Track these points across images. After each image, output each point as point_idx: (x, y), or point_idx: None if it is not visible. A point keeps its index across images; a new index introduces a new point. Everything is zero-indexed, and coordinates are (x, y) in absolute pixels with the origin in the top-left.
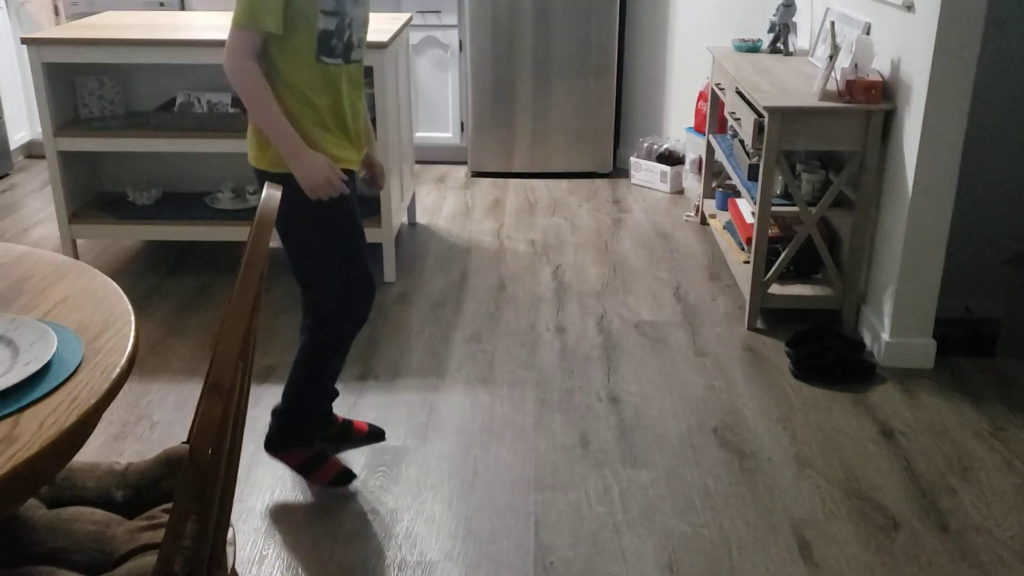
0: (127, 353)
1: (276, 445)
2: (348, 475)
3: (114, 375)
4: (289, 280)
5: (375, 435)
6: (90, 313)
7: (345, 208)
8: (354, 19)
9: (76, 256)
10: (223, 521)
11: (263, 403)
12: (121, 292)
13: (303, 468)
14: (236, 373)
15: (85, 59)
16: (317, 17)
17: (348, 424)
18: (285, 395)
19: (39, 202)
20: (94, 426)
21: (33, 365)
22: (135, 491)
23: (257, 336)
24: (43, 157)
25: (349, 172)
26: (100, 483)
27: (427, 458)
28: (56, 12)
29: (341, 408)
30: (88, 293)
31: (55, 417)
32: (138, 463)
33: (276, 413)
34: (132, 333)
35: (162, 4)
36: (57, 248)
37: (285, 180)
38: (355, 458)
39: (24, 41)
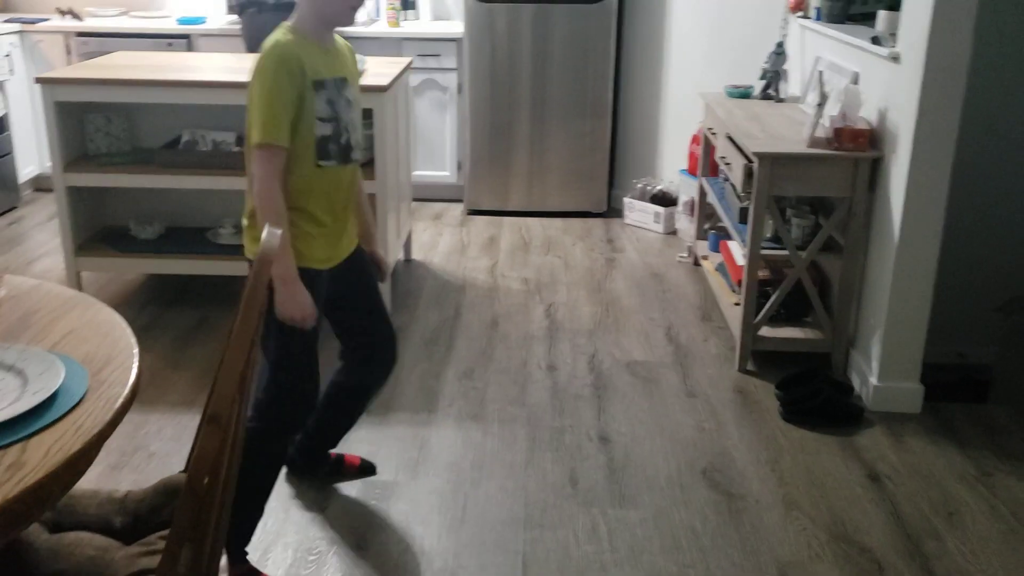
0: (130, 385)
1: (233, 558)
2: None
3: (117, 405)
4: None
5: (366, 469)
6: (96, 345)
7: (311, 330)
8: (350, 122)
9: (80, 288)
10: (217, 548)
11: None
12: (126, 325)
13: None
14: (234, 405)
15: (95, 98)
16: (315, 124)
17: (340, 458)
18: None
19: (45, 235)
20: (96, 454)
21: (41, 394)
22: (134, 518)
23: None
24: (50, 191)
25: (316, 272)
26: (100, 510)
27: (417, 493)
28: (68, 51)
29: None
30: (94, 326)
31: (60, 444)
32: (137, 491)
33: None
34: (135, 366)
35: (170, 45)
36: (62, 280)
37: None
38: (346, 490)
39: (39, 80)
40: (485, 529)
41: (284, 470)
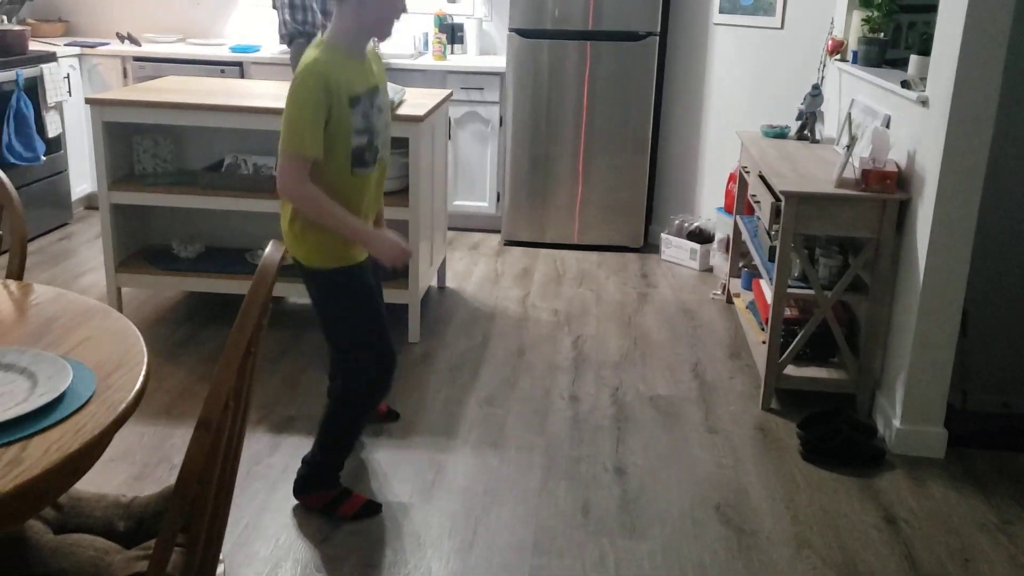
0: (135, 390)
1: (303, 489)
2: (373, 507)
3: (120, 409)
4: (316, 337)
5: (391, 416)
6: (108, 352)
7: (369, 297)
8: (380, 130)
9: (120, 303)
10: (210, 555)
11: (281, 451)
12: (139, 335)
13: (328, 507)
14: (226, 412)
15: (142, 120)
16: (351, 137)
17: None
18: (316, 448)
19: (92, 251)
20: (98, 455)
21: (47, 396)
22: (137, 522)
23: (277, 386)
24: (99, 208)
25: (362, 265)
26: (105, 513)
27: (429, 516)
28: (124, 75)
29: (351, 462)
30: (110, 335)
31: (60, 444)
32: (142, 497)
33: (306, 461)
34: (143, 373)
35: (223, 72)
36: (103, 295)
37: (329, 275)
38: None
39: (88, 101)
40: (493, 554)
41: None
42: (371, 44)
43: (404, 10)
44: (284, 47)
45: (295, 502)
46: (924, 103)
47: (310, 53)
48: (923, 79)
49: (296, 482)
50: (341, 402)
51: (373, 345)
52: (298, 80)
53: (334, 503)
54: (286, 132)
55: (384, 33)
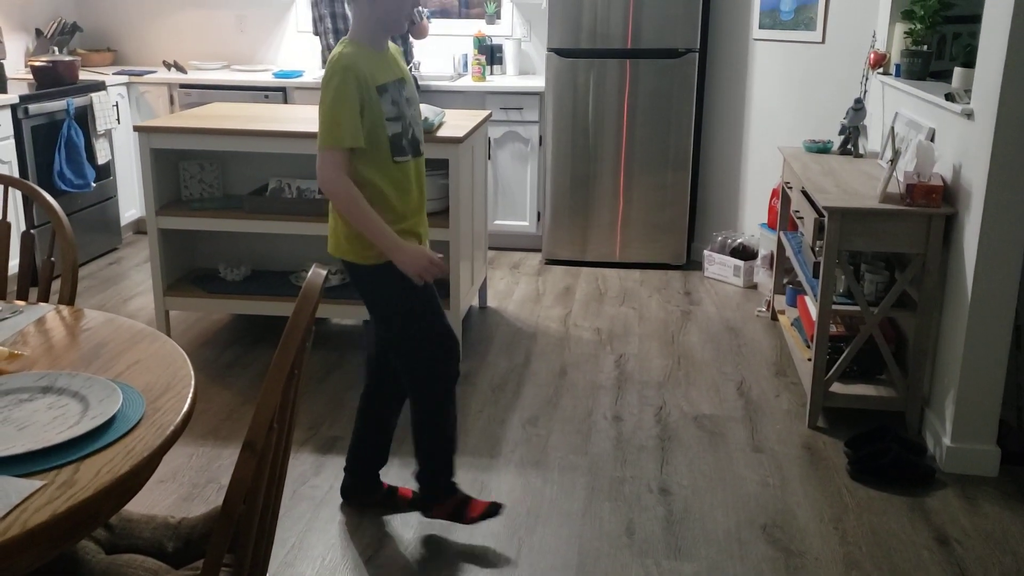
0: (183, 413)
1: (428, 503)
2: (495, 508)
3: (168, 432)
4: (361, 358)
5: (417, 503)
6: (157, 376)
7: (422, 288)
8: (413, 118)
9: (168, 326)
10: (257, 574)
11: (326, 472)
12: (186, 358)
13: (454, 515)
14: (271, 433)
15: (188, 146)
16: (385, 125)
17: (393, 490)
18: (419, 458)
19: (141, 275)
20: (148, 476)
21: (98, 419)
22: (185, 543)
23: (322, 406)
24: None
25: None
26: (155, 534)
27: (473, 535)
28: (171, 102)
29: (395, 482)
30: (158, 358)
31: (111, 466)
32: (191, 518)
33: (419, 477)
34: (190, 396)
35: (267, 97)
36: (151, 318)
37: (383, 270)
38: (403, 531)
39: (136, 128)
40: (537, 575)
41: (340, 503)
42: (393, 46)
43: (415, 5)
44: None
45: (340, 522)
46: (969, 116)
47: (336, 50)
48: (968, 91)
49: (421, 502)
50: (419, 403)
51: (437, 337)
52: (328, 75)
53: (457, 512)
54: (322, 127)
55: (398, 28)
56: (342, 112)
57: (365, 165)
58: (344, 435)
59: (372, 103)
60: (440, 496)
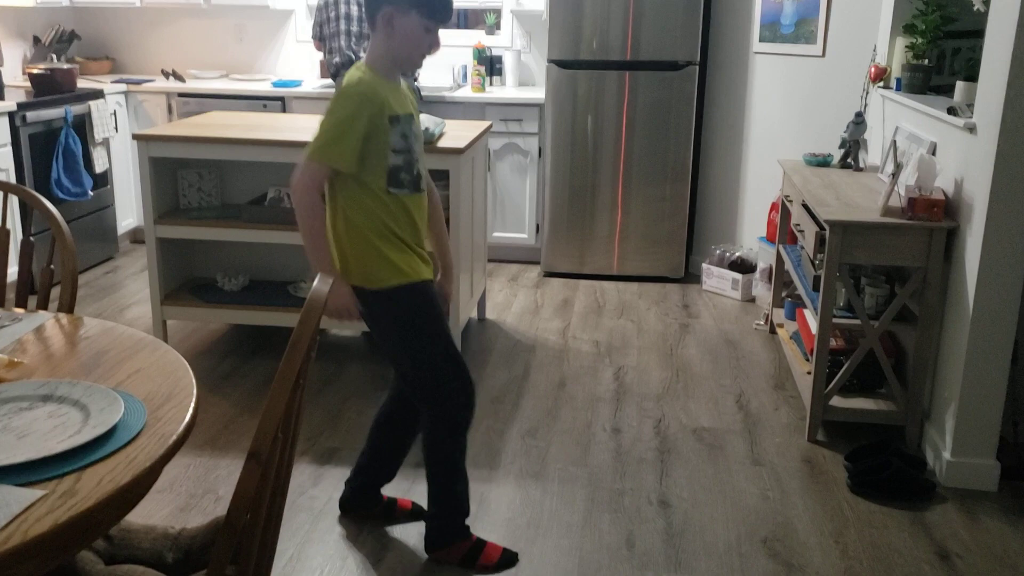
0: (184, 423)
1: (437, 544)
2: (511, 557)
3: (170, 442)
4: (361, 367)
5: (419, 514)
6: (158, 385)
7: (437, 315)
8: (418, 154)
9: (165, 336)
10: None
11: (324, 483)
12: (188, 367)
13: (465, 560)
14: (275, 444)
15: (186, 155)
16: (388, 155)
17: (392, 501)
18: (431, 498)
19: (138, 284)
20: (149, 486)
21: (99, 428)
22: (185, 554)
23: (321, 417)
24: (145, 242)
25: (429, 282)
26: (154, 544)
27: None
28: (169, 110)
29: (395, 494)
30: (159, 367)
31: (112, 476)
32: (191, 528)
33: (430, 517)
34: (192, 405)
35: (265, 106)
36: (149, 327)
37: (391, 294)
38: (403, 541)
39: (135, 137)
40: None
41: (338, 514)
42: (405, 82)
43: (431, 50)
44: (327, 81)
45: (338, 533)
46: (971, 130)
47: (354, 73)
48: (970, 105)
49: (427, 540)
50: (432, 441)
51: (451, 366)
52: (343, 93)
53: (469, 557)
54: (317, 137)
55: (413, 66)
56: (347, 135)
57: (359, 188)
58: (343, 446)
59: (382, 131)
60: (453, 538)
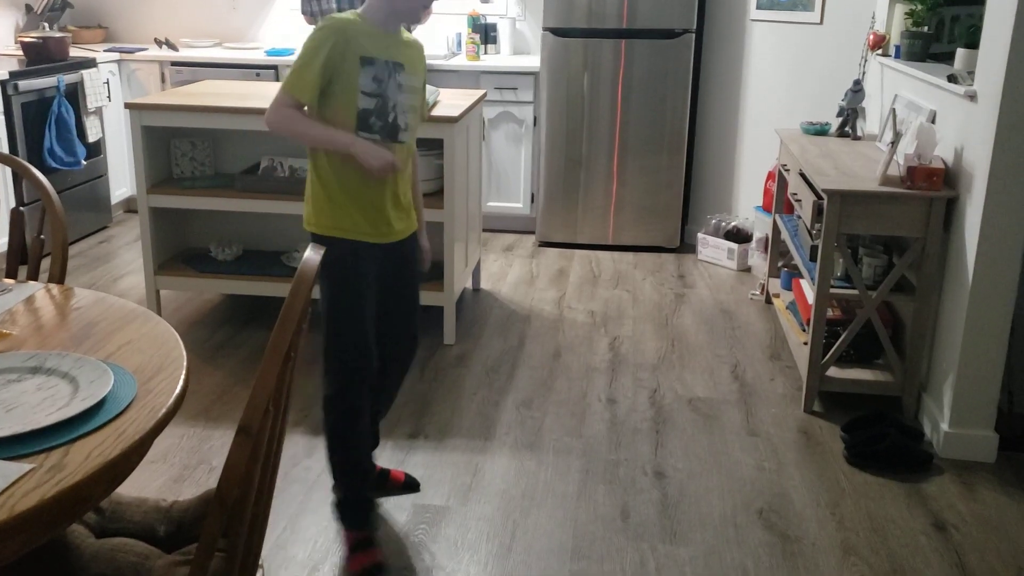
0: (175, 395)
1: (342, 524)
2: (376, 571)
3: (160, 414)
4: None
5: (411, 486)
6: (148, 357)
7: (355, 283)
8: (398, 103)
9: (159, 306)
10: (250, 560)
11: (318, 453)
12: (179, 339)
13: (350, 551)
14: (266, 418)
15: (179, 124)
16: (357, 96)
17: (385, 473)
18: (333, 478)
19: (131, 254)
20: (139, 460)
21: (88, 401)
22: (177, 527)
23: (314, 388)
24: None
25: (376, 246)
26: (146, 518)
27: (467, 519)
28: (163, 79)
29: (389, 465)
30: (150, 339)
31: (101, 449)
32: (182, 501)
33: (335, 503)
34: (183, 377)
35: (258, 75)
36: (142, 297)
37: (327, 243)
38: (397, 514)
39: (128, 106)
40: (532, 558)
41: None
42: (408, 35)
43: (431, 2)
44: None
45: (333, 503)
46: (972, 97)
47: (338, 13)
48: (971, 73)
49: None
50: (325, 410)
51: (345, 335)
52: (314, 31)
53: (353, 548)
54: (290, 74)
55: (413, 17)
56: (308, 67)
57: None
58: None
59: (348, 71)
60: (346, 524)
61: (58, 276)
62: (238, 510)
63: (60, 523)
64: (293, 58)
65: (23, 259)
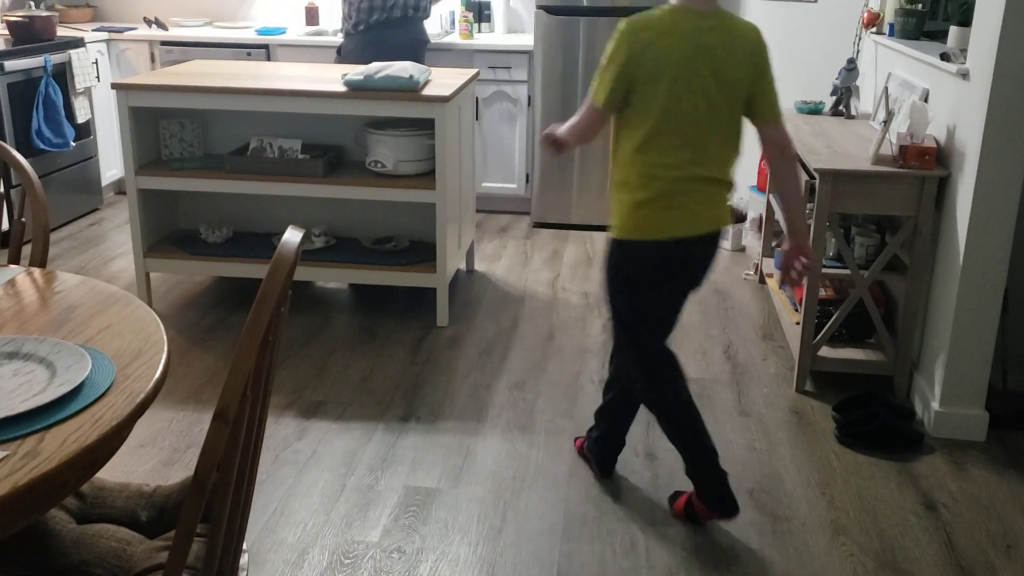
0: (154, 380)
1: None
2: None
3: (139, 399)
4: (347, 319)
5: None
6: (128, 341)
7: (640, 281)
8: None
9: (149, 288)
10: (232, 544)
11: (309, 436)
12: (160, 323)
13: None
14: (244, 403)
15: (167, 104)
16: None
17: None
18: (684, 460)
19: (122, 236)
20: (117, 446)
21: (65, 387)
22: (159, 512)
23: (306, 370)
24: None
25: (678, 242)
26: (128, 503)
27: (458, 501)
28: (152, 59)
29: (380, 447)
30: (130, 323)
31: (77, 435)
32: (165, 486)
33: (691, 476)
34: (162, 362)
35: (249, 55)
36: (132, 280)
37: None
38: (388, 497)
39: (115, 86)
40: (523, 539)
41: (323, 466)
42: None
43: None
44: (312, 28)
45: (322, 487)
46: (965, 76)
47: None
48: (963, 51)
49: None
50: (644, 401)
51: (633, 333)
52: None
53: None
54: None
55: None
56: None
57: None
58: (327, 399)
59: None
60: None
61: (39, 260)
62: (219, 495)
63: (35, 510)
64: (285, 38)
65: (4, 243)
